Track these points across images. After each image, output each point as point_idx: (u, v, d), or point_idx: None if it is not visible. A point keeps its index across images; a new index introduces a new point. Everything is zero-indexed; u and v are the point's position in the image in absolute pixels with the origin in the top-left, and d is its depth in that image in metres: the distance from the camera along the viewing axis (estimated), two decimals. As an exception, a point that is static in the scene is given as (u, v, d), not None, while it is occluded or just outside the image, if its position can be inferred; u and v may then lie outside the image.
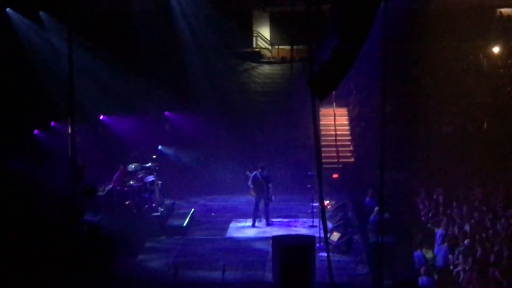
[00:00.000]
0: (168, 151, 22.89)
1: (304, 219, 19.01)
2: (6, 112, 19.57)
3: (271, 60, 28.24)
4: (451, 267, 14.79)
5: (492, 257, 14.32)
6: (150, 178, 19.03)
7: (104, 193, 18.50)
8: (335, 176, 21.29)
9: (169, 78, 23.88)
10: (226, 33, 26.10)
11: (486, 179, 20.40)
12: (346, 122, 24.75)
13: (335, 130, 20.32)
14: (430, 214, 17.87)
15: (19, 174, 18.26)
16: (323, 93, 9.39)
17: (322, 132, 22.65)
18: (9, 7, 21.81)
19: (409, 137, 22.64)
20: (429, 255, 15.91)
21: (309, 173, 18.99)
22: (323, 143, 21.38)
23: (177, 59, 24.52)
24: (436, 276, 14.85)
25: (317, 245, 14.72)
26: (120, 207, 18.46)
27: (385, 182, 11.38)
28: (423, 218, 18.01)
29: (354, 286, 14.32)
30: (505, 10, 27.62)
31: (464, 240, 15.30)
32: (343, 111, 24.79)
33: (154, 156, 20.99)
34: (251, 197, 18.85)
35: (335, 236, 16.48)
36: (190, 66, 24.83)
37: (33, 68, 21.59)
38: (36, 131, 21.37)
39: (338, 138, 20.83)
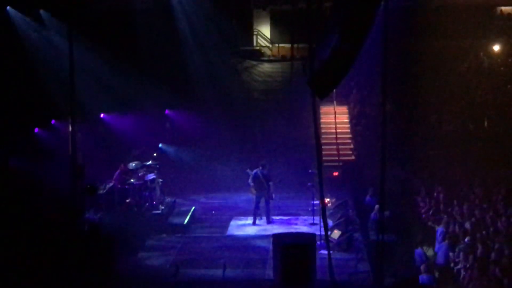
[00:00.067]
0: (169, 149, 22.92)
1: (305, 217, 19.01)
2: (6, 110, 19.61)
3: (272, 58, 28.25)
4: (452, 265, 14.77)
5: (493, 255, 14.30)
6: (151, 176, 19.03)
7: (104, 191, 18.47)
8: (335, 174, 21.32)
9: (170, 77, 23.90)
10: (226, 31, 26.10)
11: (487, 177, 20.37)
12: (346, 120, 24.75)
13: (336, 128, 20.28)
14: (431, 212, 17.84)
15: (19, 173, 18.30)
16: (323, 92, 9.41)
17: (323, 130, 22.66)
18: (10, 5, 21.80)
19: (410, 135, 22.61)
20: (429, 253, 15.92)
21: (310, 171, 19.00)
22: (323, 141, 21.39)
23: (177, 58, 24.52)
24: (436, 274, 14.84)
25: (318, 243, 14.73)
26: (120, 205, 18.45)
27: (386, 180, 11.39)
28: (423, 216, 17.99)
29: (355, 284, 14.32)
30: (505, 8, 27.58)
31: (465, 238, 15.30)
32: (343, 109, 24.79)
33: (155, 154, 21.05)
34: (251, 195, 18.87)
35: (335, 234, 16.50)
36: (190, 65, 24.85)
37: (34, 67, 21.58)
38: (36, 130, 21.41)
39: (338, 136, 20.81)
